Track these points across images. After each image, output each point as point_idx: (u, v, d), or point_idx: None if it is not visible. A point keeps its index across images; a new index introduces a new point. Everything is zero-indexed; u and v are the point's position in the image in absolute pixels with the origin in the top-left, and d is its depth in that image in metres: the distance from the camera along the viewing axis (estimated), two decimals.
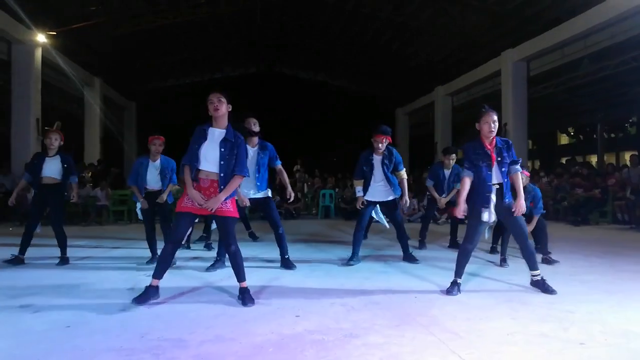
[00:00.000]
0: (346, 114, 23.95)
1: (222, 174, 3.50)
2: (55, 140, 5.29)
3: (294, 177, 14.22)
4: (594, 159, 23.62)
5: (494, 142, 3.88)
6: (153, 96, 20.83)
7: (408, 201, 5.58)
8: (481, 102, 16.74)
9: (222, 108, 3.57)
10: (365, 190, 5.27)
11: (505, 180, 3.87)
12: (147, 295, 3.47)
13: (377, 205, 5.42)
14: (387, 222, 5.57)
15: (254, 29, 16.99)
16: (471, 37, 14.43)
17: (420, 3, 13.08)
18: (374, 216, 5.49)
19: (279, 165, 5.27)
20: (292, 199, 5.48)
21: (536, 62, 13.72)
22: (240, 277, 3.61)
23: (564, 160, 18.81)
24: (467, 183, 3.92)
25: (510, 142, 4.00)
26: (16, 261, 5.14)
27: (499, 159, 3.86)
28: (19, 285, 4.12)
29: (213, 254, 5.60)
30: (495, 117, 3.85)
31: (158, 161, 5.31)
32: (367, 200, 5.26)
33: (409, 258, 5.30)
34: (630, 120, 25.64)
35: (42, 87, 12.56)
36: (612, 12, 10.17)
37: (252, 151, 4.90)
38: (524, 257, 4.06)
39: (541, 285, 3.92)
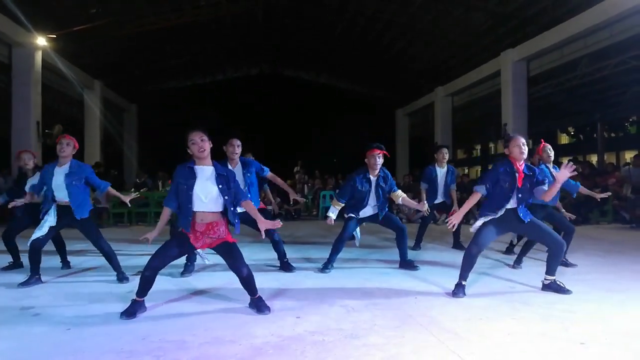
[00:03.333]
0: (347, 115, 24.00)
1: (231, 208, 3.41)
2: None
3: (294, 178, 14.21)
4: (594, 159, 23.62)
5: (523, 166, 3.87)
6: (154, 98, 20.85)
7: (425, 204, 5.26)
8: (482, 102, 16.87)
9: (207, 147, 3.39)
10: (356, 210, 4.97)
11: (520, 206, 3.85)
12: (134, 308, 3.28)
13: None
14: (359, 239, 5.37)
15: (256, 31, 17.00)
16: (471, 37, 14.45)
17: (421, 4, 13.09)
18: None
19: (268, 173, 5.10)
20: (297, 201, 5.36)
21: (536, 62, 13.73)
22: (253, 291, 3.46)
23: (565, 160, 18.78)
24: (475, 198, 3.97)
25: (537, 170, 3.95)
26: (15, 266, 5.15)
27: (527, 184, 3.84)
28: (20, 288, 4.13)
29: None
30: (524, 140, 3.89)
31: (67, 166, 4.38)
32: (358, 217, 5.00)
33: (407, 265, 5.03)
34: (631, 120, 25.65)
35: (42, 90, 12.59)
36: (610, 12, 10.18)
37: (236, 171, 4.71)
38: (548, 258, 3.95)
39: (554, 287, 3.89)
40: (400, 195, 5.04)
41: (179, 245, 3.38)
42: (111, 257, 4.50)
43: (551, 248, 3.91)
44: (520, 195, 3.83)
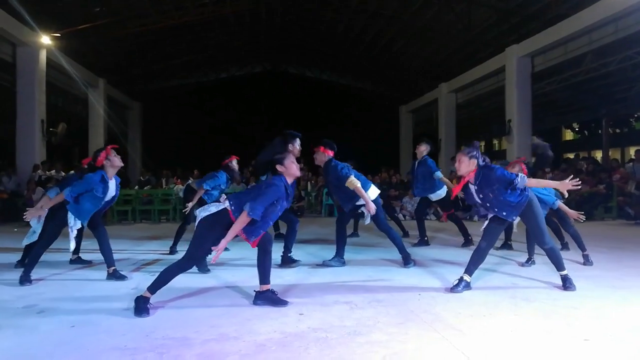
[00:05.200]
0: (350, 112, 23.95)
1: None
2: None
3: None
4: (599, 155, 23.51)
5: (471, 177, 3.80)
6: (158, 96, 20.90)
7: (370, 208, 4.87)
8: (486, 98, 16.81)
9: None
10: None
11: (489, 204, 3.79)
12: (144, 305, 3.25)
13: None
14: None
15: (259, 29, 17.01)
16: (475, 33, 14.38)
17: (424, 2, 13.04)
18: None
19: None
20: None
21: (540, 58, 13.65)
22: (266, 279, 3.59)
23: (571, 156, 18.76)
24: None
25: (493, 175, 3.69)
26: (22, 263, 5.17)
27: (479, 194, 3.81)
28: (24, 286, 4.14)
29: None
30: (460, 156, 3.81)
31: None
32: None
33: (405, 260, 4.95)
34: (635, 116, 25.49)
35: (47, 89, 12.64)
36: (615, 7, 10.10)
37: None
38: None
39: (563, 281, 3.90)
40: (354, 185, 4.93)
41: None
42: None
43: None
44: (488, 205, 3.81)
